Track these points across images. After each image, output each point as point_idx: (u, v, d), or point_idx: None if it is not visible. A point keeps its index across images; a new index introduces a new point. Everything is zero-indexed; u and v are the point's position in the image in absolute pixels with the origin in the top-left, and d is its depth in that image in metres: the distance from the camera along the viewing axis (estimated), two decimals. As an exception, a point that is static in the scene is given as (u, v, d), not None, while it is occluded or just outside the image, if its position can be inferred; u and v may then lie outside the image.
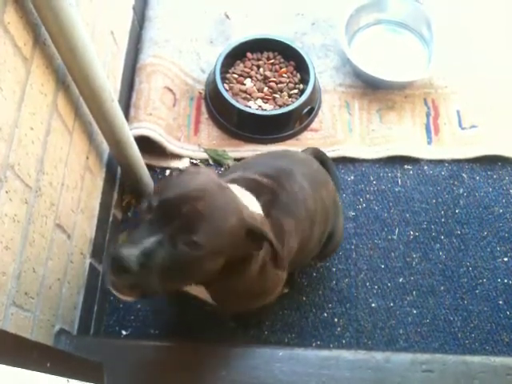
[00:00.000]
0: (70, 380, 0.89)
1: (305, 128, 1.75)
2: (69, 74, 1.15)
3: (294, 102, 1.71)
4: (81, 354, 1.07)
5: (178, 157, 1.69)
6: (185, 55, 1.83)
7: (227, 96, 1.70)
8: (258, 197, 1.03)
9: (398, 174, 1.68)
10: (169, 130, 1.68)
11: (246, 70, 1.81)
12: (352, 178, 1.67)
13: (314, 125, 1.76)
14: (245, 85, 1.79)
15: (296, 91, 1.78)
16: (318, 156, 1.44)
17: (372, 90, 1.81)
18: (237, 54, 1.82)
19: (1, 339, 0.73)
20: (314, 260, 1.46)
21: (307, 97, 1.70)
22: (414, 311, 1.49)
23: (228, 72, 1.81)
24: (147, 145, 1.60)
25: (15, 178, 0.96)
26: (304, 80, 1.78)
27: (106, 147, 1.45)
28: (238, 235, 0.88)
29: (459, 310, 1.50)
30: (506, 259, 1.56)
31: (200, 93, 1.81)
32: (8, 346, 0.74)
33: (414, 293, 1.52)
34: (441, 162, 1.70)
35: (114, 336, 1.45)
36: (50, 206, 1.13)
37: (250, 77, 1.80)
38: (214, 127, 1.76)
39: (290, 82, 1.79)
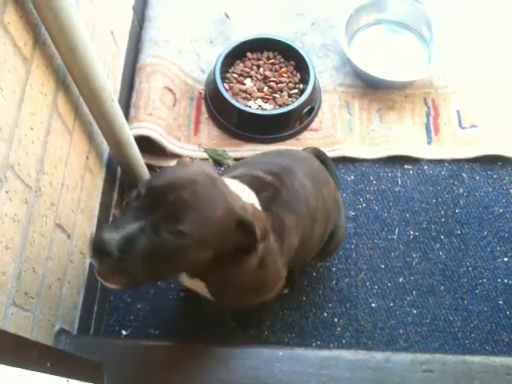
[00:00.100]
0: (69, 380, 0.89)
1: (305, 128, 1.75)
2: (69, 74, 1.15)
3: (293, 102, 1.71)
4: (81, 353, 1.07)
5: (178, 157, 1.68)
6: (185, 55, 1.83)
7: (227, 96, 1.70)
8: (258, 192, 1.02)
9: (398, 174, 1.68)
10: (169, 130, 1.68)
11: (246, 69, 1.81)
12: (352, 177, 1.67)
13: (314, 125, 1.76)
14: (245, 84, 1.79)
15: (296, 91, 1.78)
16: (318, 156, 1.44)
17: (372, 89, 1.81)
18: (237, 54, 1.82)
19: (1, 339, 0.73)
20: (314, 259, 1.46)
21: (307, 97, 1.70)
22: (414, 311, 1.49)
23: (228, 72, 1.81)
24: (147, 145, 1.60)
25: (15, 177, 0.96)
26: (304, 80, 1.78)
27: (106, 147, 1.45)
28: (227, 226, 0.87)
29: (459, 310, 1.50)
30: (506, 259, 1.56)
31: (200, 93, 1.81)
32: (8, 345, 0.74)
33: (414, 293, 1.52)
34: (441, 161, 1.70)
35: (114, 336, 1.44)
36: (50, 206, 1.13)
37: (250, 76, 1.80)
38: (214, 127, 1.76)
39: (290, 81, 1.79)
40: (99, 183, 1.45)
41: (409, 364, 1.12)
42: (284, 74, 1.80)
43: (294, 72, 1.81)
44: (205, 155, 1.70)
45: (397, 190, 1.66)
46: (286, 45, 1.81)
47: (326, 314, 1.49)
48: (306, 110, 1.71)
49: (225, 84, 1.76)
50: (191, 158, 1.69)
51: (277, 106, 1.74)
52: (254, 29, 1.90)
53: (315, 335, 1.46)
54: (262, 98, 1.76)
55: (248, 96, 1.76)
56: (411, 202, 1.64)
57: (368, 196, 1.65)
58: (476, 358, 1.13)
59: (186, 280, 1.09)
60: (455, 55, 1.86)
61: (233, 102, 1.69)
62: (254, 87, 1.78)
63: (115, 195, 1.57)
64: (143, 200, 0.84)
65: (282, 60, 1.83)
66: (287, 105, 1.72)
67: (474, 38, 1.91)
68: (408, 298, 1.51)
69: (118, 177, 1.60)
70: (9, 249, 0.96)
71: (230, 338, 1.44)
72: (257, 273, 1.02)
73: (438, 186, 1.66)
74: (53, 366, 0.84)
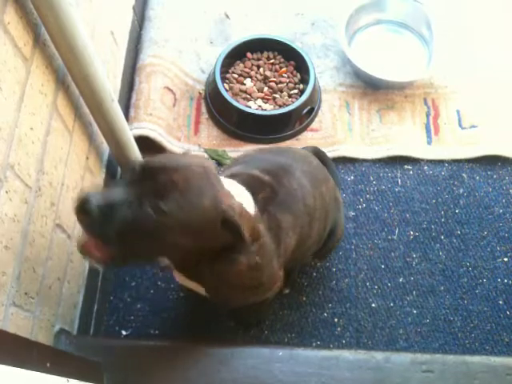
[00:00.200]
0: (69, 380, 0.90)
1: (305, 128, 1.75)
2: (69, 74, 1.15)
3: (294, 102, 1.71)
4: (81, 354, 1.07)
5: (178, 157, 1.69)
6: (185, 55, 1.83)
7: (227, 96, 1.70)
8: (255, 193, 1.03)
9: (398, 174, 1.68)
10: (169, 130, 1.68)
11: (246, 69, 1.81)
12: (352, 177, 1.67)
13: (313, 125, 1.76)
14: (245, 85, 1.79)
15: (296, 91, 1.78)
16: (318, 155, 1.44)
17: (372, 90, 1.81)
18: (237, 54, 1.82)
19: (1, 339, 0.73)
20: (313, 259, 1.46)
21: (307, 97, 1.70)
22: (414, 311, 1.49)
23: (228, 72, 1.81)
24: (147, 145, 1.60)
25: (15, 177, 0.96)
26: (304, 80, 1.78)
27: (106, 147, 1.45)
28: (212, 221, 0.88)
29: (459, 310, 1.50)
30: (506, 259, 1.56)
31: (200, 93, 1.81)
32: (8, 345, 0.74)
33: (414, 293, 1.52)
34: (441, 161, 1.70)
35: (113, 336, 1.44)
36: (50, 206, 1.13)
37: (250, 77, 1.80)
38: (214, 127, 1.76)
39: (290, 81, 1.79)
40: (99, 183, 1.45)
41: (409, 364, 1.12)
42: (284, 74, 1.80)
43: (294, 72, 1.81)
44: (205, 155, 1.70)
45: (397, 190, 1.66)
46: (286, 45, 1.81)
47: (326, 314, 1.49)
48: (305, 110, 1.71)
49: (225, 84, 1.76)
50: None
51: (277, 107, 1.74)
52: (253, 29, 1.90)
53: (315, 335, 1.46)
54: (262, 99, 1.76)
55: (248, 96, 1.76)
56: (411, 202, 1.64)
57: (368, 196, 1.65)
58: (476, 358, 1.13)
59: (183, 280, 1.09)
60: (455, 55, 1.86)
61: (233, 102, 1.69)
62: (254, 87, 1.78)
63: (115, 195, 1.57)
64: (136, 175, 0.87)
65: (282, 60, 1.83)
66: (287, 105, 1.72)
67: (474, 38, 1.91)
68: (408, 298, 1.51)
69: (118, 177, 1.60)
70: (9, 249, 0.96)
71: (230, 338, 1.44)
72: (251, 273, 1.02)
73: (438, 186, 1.66)
74: (53, 366, 0.84)
